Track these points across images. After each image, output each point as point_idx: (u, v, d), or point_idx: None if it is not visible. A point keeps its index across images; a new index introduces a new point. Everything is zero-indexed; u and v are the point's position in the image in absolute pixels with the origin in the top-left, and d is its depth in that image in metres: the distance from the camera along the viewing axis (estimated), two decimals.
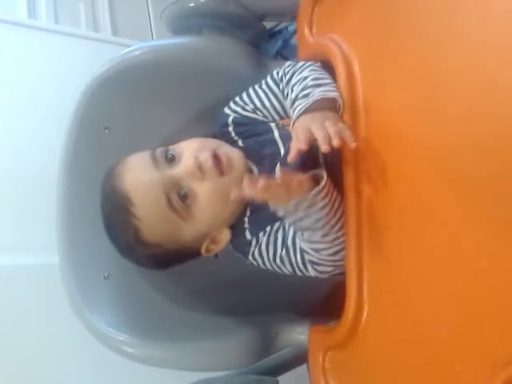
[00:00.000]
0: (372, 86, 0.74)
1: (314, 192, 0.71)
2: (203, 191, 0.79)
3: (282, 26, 1.13)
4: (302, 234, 0.77)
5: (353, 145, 0.69)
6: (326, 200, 0.73)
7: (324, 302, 0.97)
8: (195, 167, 0.78)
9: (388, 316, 0.72)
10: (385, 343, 0.72)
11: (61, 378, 1.12)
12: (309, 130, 0.71)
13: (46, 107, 1.22)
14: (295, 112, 0.78)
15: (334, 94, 0.76)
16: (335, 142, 0.67)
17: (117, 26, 1.64)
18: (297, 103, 0.79)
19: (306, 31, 0.85)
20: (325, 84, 0.78)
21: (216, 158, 0.80)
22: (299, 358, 0.96)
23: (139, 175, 0.79)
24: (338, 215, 0.75)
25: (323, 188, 0.72)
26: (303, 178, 0.69)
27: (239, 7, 0.92)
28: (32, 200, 1.12)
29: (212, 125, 0.93)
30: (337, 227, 0.75)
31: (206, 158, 0.79)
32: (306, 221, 0.73)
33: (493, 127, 0.59)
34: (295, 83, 0.82)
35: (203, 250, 0.85)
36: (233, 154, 0.83)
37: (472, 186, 0.61)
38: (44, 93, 1.23)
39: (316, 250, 0.77)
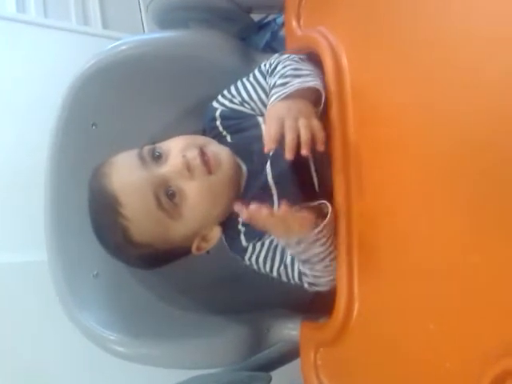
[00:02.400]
0: (360, 78, 0.73)
1: (318, 229, 0.72)
2: (192, 190, 0.78)
3: (270, 18, 1.12)
4: (303, 265, 0.78)
5: (321, 148, 0.71)
6: (329, 235, 0.74)
7: (315, 297, 0.96)
8: (183, 166, 0.77)
9: (379, 312, 0.71)
10: (375, 339, 0.72)
11: (52, 375, 1.12)
12: (281, 124, 0.71)
13: (35, 103, 1.20)
14: (271, 100, 0.77)
15: (314, 83, 0.75)
16: (303, 152, 0.69)
17: (107, 20, 1.62)
18: (273, 91, 0.77)
19: (294, 24, 0.83)
20: (304, 75, 0.77)
21: (204, 156, 0.79)
22: (292, 353, 0.96)
23: (127, 175, 0.78)
24: None
25: (327, 224, 0.73)
26: (305, 215, 0.70)
27: (226, 0, 0.90)
28: (19, 198, 1.12)
29: (201, 120, 0.92)
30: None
31: (193, 156, 0.78)
32: (308, 254, 0.75)
33: (484, 119, 0.59)
34: (277, 72, 0.81)
35: (194, 249, 0.84)
36: (221, 152, 0.82)
37: (464, 181, 0.61)
38: (34, 88, 1.22)
39: (316, 277, 0.78)
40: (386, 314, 0.70)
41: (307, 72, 0.78)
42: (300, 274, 0.81)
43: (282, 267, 0.82)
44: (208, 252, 0.87)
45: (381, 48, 0.70)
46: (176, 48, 0.94)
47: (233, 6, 0.91)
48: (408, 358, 0.67)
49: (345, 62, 0.74)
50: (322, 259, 0.75)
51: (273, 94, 0.77)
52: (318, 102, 0.76)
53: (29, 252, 1.08)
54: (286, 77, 0.77)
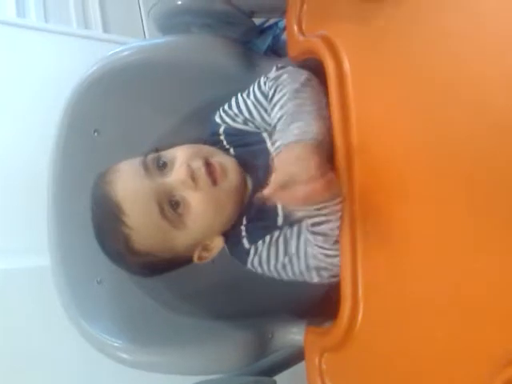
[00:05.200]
0: (363, 83, 0.73)
1: (339, 200, 0.71)
2: (195, 201, 0.77)
3: (271, 21, 1.12)
4: (315, 239, 0.75)
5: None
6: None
7: (319, 301, 0.96)
8: (187, 176, 0.76)
9: (384, 317, 0.71)
10: (381, 344, 0.72)
11: (55, 381, 1.11)
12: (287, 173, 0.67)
13: (36, 108, 1.20)
14: (274, 146, 0.76)
15: (309, 137, 0.72)
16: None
17: (108, 23, 1.62)
18: (274, 137, 0.77)
19: (295, 28, 0.83)
20: (301, 120, 0.75)
21: (209, 166, 0.78)
22: (296, 357, 0.96)
23: (130, 183, 0.78)
24: None
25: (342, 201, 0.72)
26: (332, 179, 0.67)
27: (227, 4, 0.90)
28: (21, 203, 1.11)
29: (203, 127, 0.92)
30: None
31: (198, 166, 0.77)
32: (324, 226, 0.73)
33: (491, 126, 0.59)
34: (274, 105, 0.80)
35: (195, 258, 0.83)
36: (227, 163, 0.81)
37: (472, 186, 0.61)
38: (34, 94, 1.21)
39: (327, 256, 0.76)
40: (392, 318, 0.70)
41: (306, 116, 0.75)
42: (307, 260, 0.78)
43: (287, 259, 0.80)
44: (213, 261, 0.86)
45: (385, 52, 0.70)
46: (178, 53, 0.93)
47: (234, 10, 0.91)
48: (414, 362, 0.67)
49: (347, 67, 0.74)
50: (336, 237, 0.74)
51: (274, 140, 0.77)
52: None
53: (31, 257, 1.08)
54: (284, 123, 0.76)
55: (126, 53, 0.93)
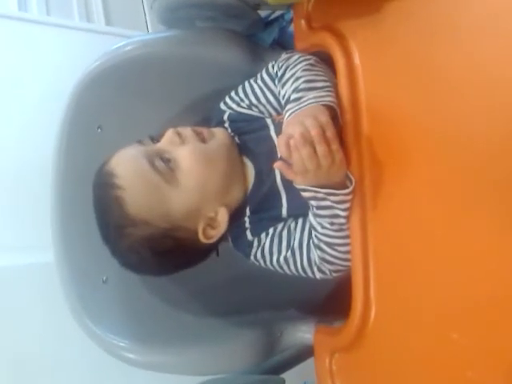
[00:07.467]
0: (374, 78, 0.72)
1: (348, 190, 0.71)
2: (184, 155, 0.78)
3: (277, 14, 1.09)
4: (319, 224, 0.75)
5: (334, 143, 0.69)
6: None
7: (329, 299, 0.96)
8: (174, 134, 0.79)
9: (396, 317, 0.70)
10: (393, 345, 0.71)
11: (58, 380, 1.11)
12: (289, 131, 0.69)
13: (39, 103, 1.19)
14: (286, 115, 0.76)
15: (327, 100, 0.73)
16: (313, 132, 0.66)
17: (110, 16, 1.61)
18: (288, 106, 0.76)
19: (303, 23, 0.81)
20: (318, 88, 0.75)
21: (196, 131, 0.81)
22: (304, 354, 0.95)
23: (124, 152, 0.80)
24: None
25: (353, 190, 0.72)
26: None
27: None
28: (26, 200, 1.10)
29: (206, 121, 0.91)
30: None
31: (185, 128, 0.81)
32: (329, 211, 0.73)
33: (498, 121, 0.58)
34: (287, 80, 0.80)
35: (200, 233, 0.80)
36: (215, 130, 0.84)
37: (482, 183, 0.60)
38: (37, 88, 1.20)
39: (330, 245, 0.75)
40: (404, 319, 0.69)
41: (321, 84, 0.76)
42: (309, 254, 0.77)
43: (289, 253, 0.79)
44: (218, 254, 0.85)
45: (395, 46, 0.69)
46: (182, 47, 0.92)
47: (239, 2, 0.89)
48: (427, 365, 0.66)
49: (358, 61, 0.73)
50: (340, 226, 0.74)
51: (287, 109, 0.76)
52: (333, 112, 0.74)
53: (36, 254, 1.07)
54: (300, 91, 0.76)
55: (129, 47, 0.92)
